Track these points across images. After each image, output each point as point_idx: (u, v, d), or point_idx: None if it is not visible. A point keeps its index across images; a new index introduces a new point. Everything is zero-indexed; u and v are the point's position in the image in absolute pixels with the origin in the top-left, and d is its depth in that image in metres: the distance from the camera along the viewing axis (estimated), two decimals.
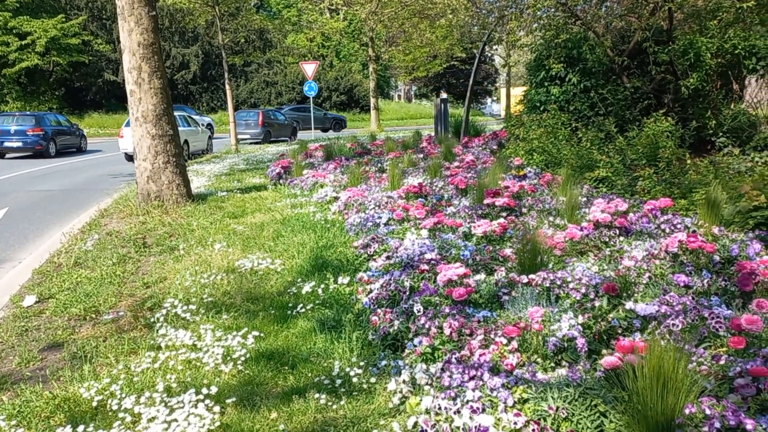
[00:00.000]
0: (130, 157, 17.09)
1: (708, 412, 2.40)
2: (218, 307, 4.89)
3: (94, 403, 3.47)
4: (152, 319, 4.77)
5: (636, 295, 3.87)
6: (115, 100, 41.06)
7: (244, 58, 30.88)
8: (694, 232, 4.75)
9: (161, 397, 3.40)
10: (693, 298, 3.61)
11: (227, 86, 22.08)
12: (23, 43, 36.52)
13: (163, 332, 4.43)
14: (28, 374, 4.03)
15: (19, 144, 20.62)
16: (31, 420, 3.36)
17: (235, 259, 6.18)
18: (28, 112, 24.14)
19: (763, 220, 5.19)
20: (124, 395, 3.49)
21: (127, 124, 20.93)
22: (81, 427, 3.13)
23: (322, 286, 5.13)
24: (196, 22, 24.12)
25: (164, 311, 4.85)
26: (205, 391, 3.39)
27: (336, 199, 8.74)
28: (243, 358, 3.93)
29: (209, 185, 12.06)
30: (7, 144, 19.38)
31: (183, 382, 3.66)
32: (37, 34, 36.53)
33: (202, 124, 23.78)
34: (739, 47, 9.59)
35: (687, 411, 2.40)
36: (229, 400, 3.38)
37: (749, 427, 2.31)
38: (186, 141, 18.22)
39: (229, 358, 3.96)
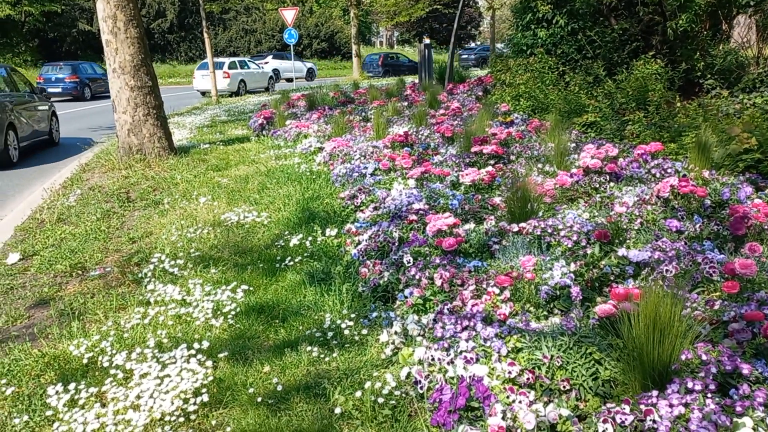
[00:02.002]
0: (204, 93, 23.51)
1: (704, 357, 2.41)
2: (206, 261, 4.83)
3: (85, 361, 3.43)
4: (140, 275, 4.71)
5: (628, 241, 3.86)
6: (91, 51, 39.89)
7: (221, 5, 30.00)
8: (684, 176, 4.72)
9: (152, 353, 3.37)
10: (686, 244, 3.61)
11: (205, 35, 21.47)
12: None
13: (152, 287, 4.37)
14: (15, 333, 3.97)
15: (59, 90, 24.07)
16: (21, 378, 3.33)
17: (220, 212, 6.10)
18: (67, 62, 26.48)
19: (753, 162, 5.17)
20: (114, 352, 3.46)
21: (200, 67, 25.04)
22: (72, 385, 3.09)
23: (310, 238, 5.08)
24: None
25: (151, 266, 4.79)
26: (196, 345, 3.36)
27: (320, 149, 8.61)
28: (233, 313, 3.90)
29: (191, 137, 11.84)
30: (49, 90, 20.97)
31: (174, 338, 3.63)
32: None
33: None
34: None
35: (683, 357, 2.41)
36: (221, 355, 3.36)
37: (745, 371, 2.32)
38: (243, 80, 25.82)
39: (219, 312, 3.92)
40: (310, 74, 35.75)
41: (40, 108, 12.11)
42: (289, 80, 33.09)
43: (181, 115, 16.47)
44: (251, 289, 4.26)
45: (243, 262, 4.83)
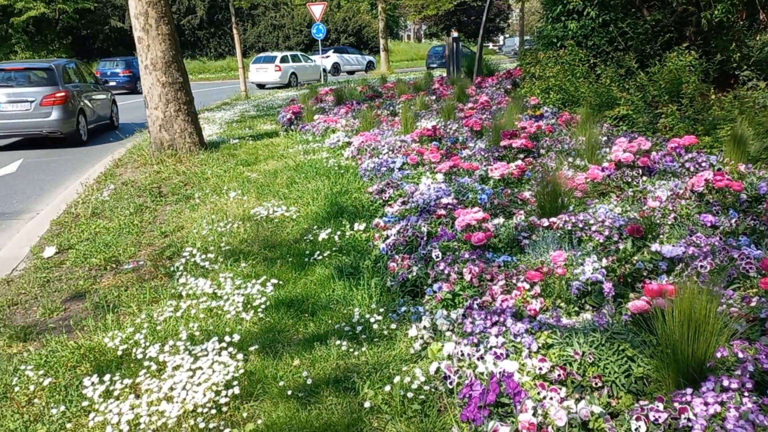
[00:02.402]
0: (261, 86, 25.68)
1: (740, 355, 2.36)
2: (236, 255, 4.89)
3: (119, 352, 3.50)
4: (172, 268, 4.78)
5: (661, 236, 3.79)
6: (123, 48, 40.51)
7: (250, 1, 30.18)
8: (719, 170, 4.62)
9: (185, 346, 3.41)
10: (721, 239, 3.53)
11: (234, 31, 21.65)
12: None
13: (184, 281, 4.44)
14: (52, 325, 4.07)
15: (114, 83, 25.60)
16: (58, 369, 3.41)
17: (250, 206, 6.15)
18: (122, 58, 28.89)
19: None
20: (148, 344, 3.51)
21: (255, 61, 27.55)
22: (107, 376, 3.16)
23: (339, 232, 5.10)
24: None
25: (183, 260, 4.86)
26: (227, 339, 3.40)
27: (348, 144, 8.63)
28: (263, 306, 3.93)
29: (221, 133, 11.96)
30: None
31: (205, 330, 3.68)
32: None
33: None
34: None
35: (718, 354, 2.36)
36: (251, 348, 3.40)
37: None
38: (294, 73, 27.82)
39: (249, 305, 3.96)
40: (370, 66, 38.31)
41: (103, 96, 14.21)
42: (351, 73, 35.66)
43: (210, 111, 16.66)
44: (281, 283, 4.30)
45: (272, 256, 4.87)
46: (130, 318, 4.00)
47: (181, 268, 4.74)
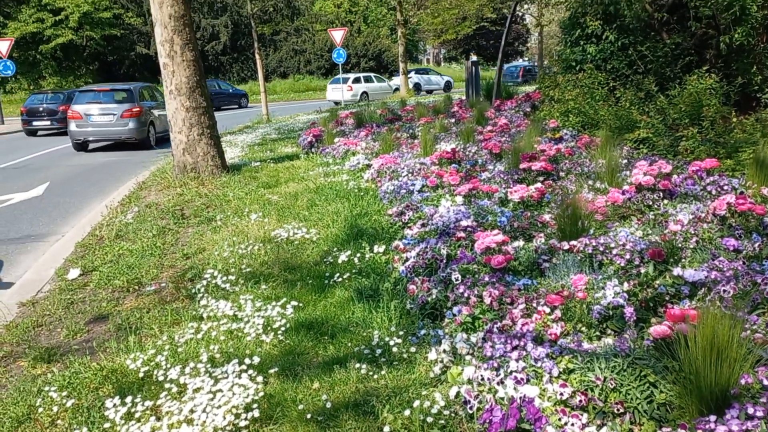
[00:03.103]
0: (336, 103, 26.16)
1: (765, 382, 2.32)
2: (257, 278, 4.92)
3: (141, 374, 3.53)
4: (193, 290, 4.83)
5: (683, 260, 3.76)
6: (148, 73, 41.37)
7: (272, 27, 30.70)
8: (742, 193, 4.58)
9: (205, 368, 3.44)
10: (744, 263, 3.49)
11: (257, 56, 22.00)
12: (57, 18, 36.94)
13: (205, 303, 4.48)
14: (75, 346, 4.12)
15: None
16: (80, 391, 3.45)
17: (271, 229, 6.21)
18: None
19: None
20: (169, 366, 3.55)
21: (332, 82, 31.33)
22: (129, 398, 3.19)
23: (358, 254, 5.12)
24: None
25: (205, 282, 4.91)
26: (247, 361, 3.43)
27: (368, 166, 8.68)
28: (283, 328, 3.95)
29: (243, 156, 12.11)
30: None
31: (226, 353, 3.70)
32: (70, 9, 36.87)
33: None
34: None
35: (743, 381, 2.33)
36: (271, 370, 3.41)
37: None
38: (365, 92, 31.47)
39: (269, 328, 3.99)
40: (448, 86, 40.10)
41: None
42: (429, 92, 38.24)
43: (233, 134, 16.89)
44: (301, 305, 4.32)
45: (292, 278, 4.90)
46: (152, 340, 4.04)
47: (202, 290, 4.79)
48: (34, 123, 20.92)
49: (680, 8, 9.91)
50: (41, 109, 21.01)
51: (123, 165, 13.22)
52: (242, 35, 45.10)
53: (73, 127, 15.56)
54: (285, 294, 4.55)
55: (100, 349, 4.02)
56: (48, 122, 20.84)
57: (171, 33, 8.95)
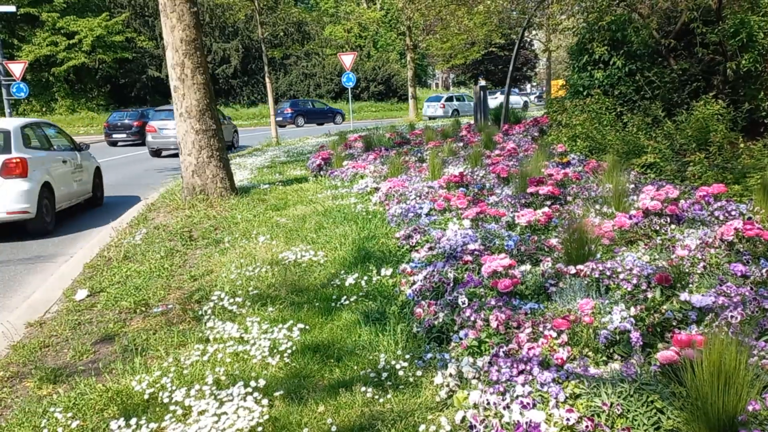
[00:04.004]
0: (432, 118, 30.10)
1: None
2: (264, 300, 4.93)
3: (146, 396, 3.53)
4: (200, 312, 4.84)
5: (691, 285, 3.74)
6: (159, 96, 41.88)
7: (283, 51, 31.21)
8: (750, 219, 4.57)
9: (210, 390, 3.44)
10: (752, 289, 3.47)
11: (267, 79, 22.28)
12: (71, 42, 37.57)
13: (211, 325, 4.49)
14: (81, 367, 4.13)
15: (281, 119, 30.64)
16: (86, 412, 3.45)
17: (278, 251, 6.23)
18: (291, 99, 33.89)
19: None
20: (174, 388, 3.54)
21: (428, 100, 36.21)
22: (134, 420, 3.19)
23: (365, 277, 5.12)
24: (236, 16, 24.40)
25: (211, 304, 4.92)
26: (253, 383, 3.42)
27: (376, 189, 8.72)
28: (289, 351, 3.95)
29: (252, 178, 12.20)
30: (278, 119, 28.07)
31: (231, 375, 3.70)
32: (83, 33, 37.53)
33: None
34: None
35: (750, 408, 2.31)
36: (276, 393, 3.40)
37: None
38: (456, 109, 36.60)
39: (275, 350, 3.98)
40: (525, 106, 44.75)
41: (229, 127, 21.27)
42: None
43: (242, 157, 17.02)
44: (307, 327, 4.32)
45: (299, 300, 4.91)
46: (158, 361, 4.05)
47: (209, 311, 4.80)
48: (114, 135, 25.72)
49: (687, 35, 9.97)
50: (119, 124, 25.83)
51: (131, 186, 13.33)
52: (253, 59, 45.67)
53: (149, 138, 19.98)
54: (292, 316, 4.55)
55: (106, 370, 4.02)
56: (125, 135, 25.53)
57: (182, 56, 9.09)
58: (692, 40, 9.76)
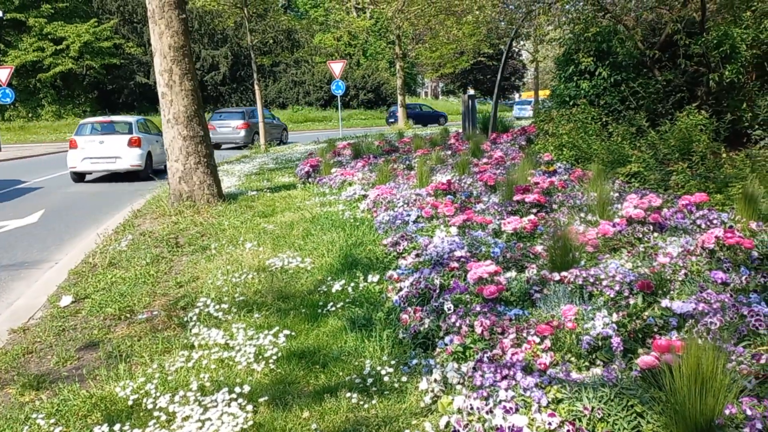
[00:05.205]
0: (518, 119, 29.97)
1: (749, 412, 2.34)
2: (250, 306, 4.93)
3: (130, 402, 3.52)
4: (185, 319, 4.83)
5: (672, 292, 3.79)
6: (147, 102, 41.76)
7: (272, 59, 31.21)
8: (731, 227, 4.64)
9: (195, 396, 3.44)
10: (731, 296, 3.52)
11: (256, 86, 22.28)
12: (58, 48, 37.42)
13: (196, 331, 4.48)
14: (65, 373, 4.11)
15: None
16: (69, 419, 3.43)
17: (265, 258, 6.23)
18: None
19: None
20: (158, 394, 3.54)
21: (516, 103, 37.38)
22: (117, 426, 3.18)
23: (352, 284, 5.14)
24: (225, 23, 24.40)
25: (197, 310, 4.91)
26: (237, 390, 3.42)
27: (365, 197, 8.75)
28: (275, 357, 3.95)
29: (239, 185, 12.18)
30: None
31: (216, 381, 3.70)
32: (71, 39, 37.41)
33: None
34: None
35: (727, 411, 2.35)
36: (261, 399, 3.41)
37: None
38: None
39: (261, 356, 3.99)
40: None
41: (277, 126, 27.63)
42: None
43: (230, 163, 16.99)
44: (293, 334, 4.32)
45: (286, 307, 4.91)
46: (142, 368, 4.03)
47: (194, 318, 4.79)
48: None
49: (672, 46, 10.11)
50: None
51: (119, 193, 13.28)
52: (242, 66, 45.68)
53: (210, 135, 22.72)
54: (278, 323, 4.55)
55: (90, 376, 4.01)
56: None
57: (170, 63, 9.08)
58: (676, 52, 9.90)
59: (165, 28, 9.02)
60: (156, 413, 3.32)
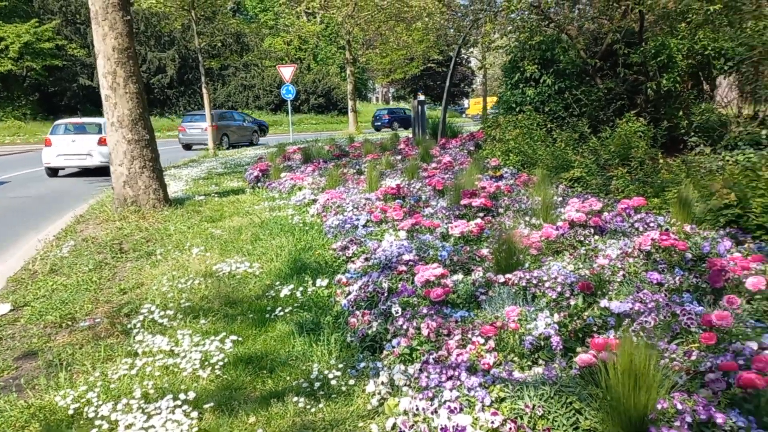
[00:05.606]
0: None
1: (679, 407, 2.45)
2: (196, 312, 4.86)
3: (71, 411, 3.43)
4: (129, 326, 4.73)
5: (610, 293, 3.93)
6: (90, 105, 40.51)
7: (221, 62, 30.82)
8: (666, 230, 4.83)
9: (138, 404, 3.38)
10: (666, 296, 3.68)
11: (204, 90, 21.92)
12: None
13: (140, 338, 4.39)
14: (1, 384, 3.97)
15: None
16: (5, 430, 3.32)
17: (213, 263, 6.15)
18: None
19: (733, 218, 5.30)
20: (100, 402, 3.46)
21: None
22: None
23: (301, 288, 5.13)
24: (172, 26, 23.94)
25: (141, 317, 4.81)
26: (182, 396, 3.38)
27: (314, 201, 8.73)
28: (221, 363, 3.91)
29: (187, 189, 11.97)
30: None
31: (160, 388, 3.64)
32: (10, 39, 36.02)
33: None
34: (709, 48, 9.77)
35: (659, 406, 2.45)
36: (206, 405, 3.37)
37: (719, 420, 2.36)
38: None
39: (207, 363, 3.94)
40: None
41: (247, 128, 29.09)
42: None
43: (177, 168, 16.66)
44: (240, 339, 4.29)
45: (233, 312, 4.87)
46: (84, 376, 3.93)
47: (138, 325, 4.69)
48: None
49: (612, 55, 10.46)
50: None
51: (62, 198, 12.87)
52: (190, 69, 44.85)
53: (180, 136, 26.21)
54: (225, 328, 4.51)
55: (29, 386, 3.88)
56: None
57: (114, 65, 8.88)
58: (617, 61, 10.26)
59: (109, 29, 8.81)
60: (98, 422, 3.24)
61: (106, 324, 4.83)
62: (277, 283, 5.40)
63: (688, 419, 2.39)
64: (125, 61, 8.93)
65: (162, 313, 4.82)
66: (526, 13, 11.39)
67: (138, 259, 6.76)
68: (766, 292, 3.57)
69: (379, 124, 41.23)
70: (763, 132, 8.41)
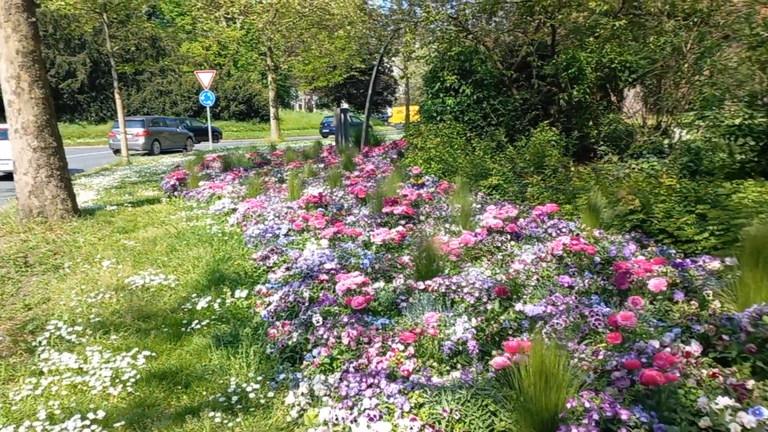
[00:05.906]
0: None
1: (587, 405, 2.55)
2: (106, 327, 4.65)
3: None
4: (34, 343, 4.47)
5: (525, 296, 4.05)
6: None
7: (135, 67, 29.65)
8: (577, 235, 5.03)
9: (43, 426, 3.20)
10: (576, 298, 3.83)
11: (117, 96, 21.10)
12: None
13: (46, 356, 4.16)
14: None
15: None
16: None
17: (125, 276, 5.91)
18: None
19: (637, 222, 5.58)
20: (0, 427, 3.24)
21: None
22: None
23: (219, 300, 5.01)
24: (82, 29, 22.90)
25: (47, 334, 4.56)
26: (91, 416, 3.22)
27: (234, 210, 8.56)
28: (133, 380, 3.76)
29: (98, 199, 11.46)
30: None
31: (67, 408, 3.45)
32: None
33: None
34: (615, 61, 10.29)
35: (569, 405, 2.54)
36: (117, 424, 3.23)
37: (624, 417, 2.47)
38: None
39: (118, 380, 3.77)
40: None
41: (179, 134, 28.53)
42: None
43: (88, 177, 15.93)
44: (154, 354, 4.13)
45: (146, 327, 4.69)
46: None
47: (44, 342, 4.44)
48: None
49: (528, 67, 10.84)
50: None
51: None
52: (102, 74, 43.00)
53: (111, 142, 25.15)
54: (137, 343, 4.33)
55: None
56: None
57: (18, 69, 8.41)
58: (532, 72, 10.64)
59: (12, 31, 8.33)
60: None
61: (9, 342, 4.54)
62: (194, 295, 5.25)
63: (596, 417, 2.49)
64: (30, 65, 8.48)
65: (70, 329, 4.58)
66: (445, 24, 11.64)
67: (44, 273, 6.41)
68: (666, 293, 3.78)
69: (327, 131, 40.80)
70: (666, 141, 8.94)
